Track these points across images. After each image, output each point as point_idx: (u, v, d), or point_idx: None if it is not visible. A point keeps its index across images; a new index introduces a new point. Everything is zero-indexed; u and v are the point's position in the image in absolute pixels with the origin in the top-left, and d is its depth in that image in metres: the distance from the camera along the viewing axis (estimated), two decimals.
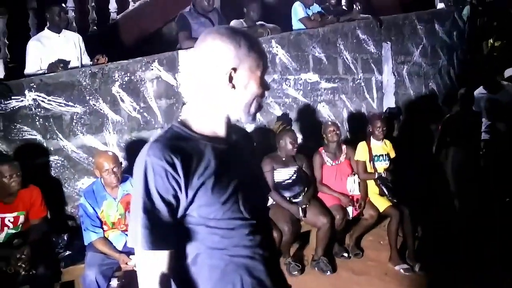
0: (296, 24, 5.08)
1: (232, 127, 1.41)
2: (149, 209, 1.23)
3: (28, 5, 5.14)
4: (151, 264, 1.25)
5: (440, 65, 5.95)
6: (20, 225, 3.14)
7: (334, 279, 3.82)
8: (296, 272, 3.82)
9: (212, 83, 1.33)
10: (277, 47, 4.65)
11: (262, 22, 4.84)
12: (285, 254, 3.87)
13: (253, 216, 1.34)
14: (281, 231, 3.67)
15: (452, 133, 4.64)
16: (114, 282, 3.40)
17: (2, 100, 3.46)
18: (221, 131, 1.36)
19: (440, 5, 6.63)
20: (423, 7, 6.35)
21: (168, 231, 1.25)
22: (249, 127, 3.95)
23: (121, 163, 3.33)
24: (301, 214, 3.84)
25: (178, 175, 1.23)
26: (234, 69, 1.31)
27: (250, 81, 1.33)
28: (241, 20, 4.82)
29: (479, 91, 4.93)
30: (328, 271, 3.85)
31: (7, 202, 3.08)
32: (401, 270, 3.88)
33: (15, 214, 3.10)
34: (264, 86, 1.36)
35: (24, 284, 2.97)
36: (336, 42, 5.08)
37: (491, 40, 6.23)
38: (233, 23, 4.78)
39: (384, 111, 5.27)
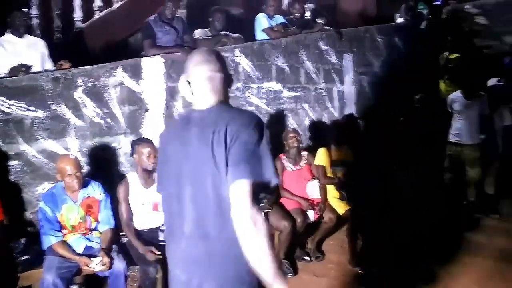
0: (260, 35, 5.20)
1: None
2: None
3: None
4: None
5: (398, 76, 6.16)
6: None
7: (295, 282, 3.88)
8: None
9: None
10: (240, 56, 4.75)
11: (226, 32, 4.95)
12: None
13: None
14: None
15: (410, 137, 4.85)
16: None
17: None
18: None
19: (399, 20, 6.90)
20: (383, 21, 6.60)
21: None
22: None
23: (82, 167, 3.35)
24: None
25: None
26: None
27: None
28: (206, 29, 4.92)
29: (456, 94, 5.13)
30: (289, 274, 3.91)
31: None
32: (360, 272, 3.99)
33: None
34: None
35: None
36: (299, 52, 5.22)
37: (446, 53, 6.50)
38: (198, 32, 4.87)
39: (343, 118, 5.42)
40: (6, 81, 3.66)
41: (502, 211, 5.25)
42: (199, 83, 1.83)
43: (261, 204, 3.99)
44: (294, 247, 4.18)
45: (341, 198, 4.31)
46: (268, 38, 5.15)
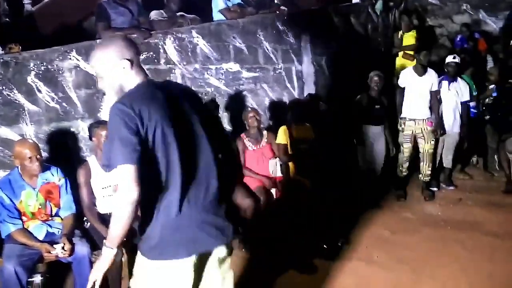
0: (216, 15, 5.17)
1: None
2: None
3: None
4: None
5: (354, 55, 6.27)
6: None
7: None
8: None
9: None
10: (198, 37, 4.71)
11: (182, 13, 4.89)
12: None
13: None
14: None
15: (362, 115, 4.98)
16: (38, 278, 3.32)
17: None
18: None
19: (355, 0, 7.01)
20: (340, 1, 6.69)
21: None
22: None
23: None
24: None
25: None
26: None
27: None
28: (161, 10, 4.85)
29: (407, 70, 5.25)
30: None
31: None
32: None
33: None
34: None
35: None
36: (256, 33, 5.22)
37: (401, 32, 6.66)
38: (153, 13, 4.81)
39: (305, 97, 5.49)
40: None
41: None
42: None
43: None
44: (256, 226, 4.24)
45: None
46: (225, 18, 5.12)
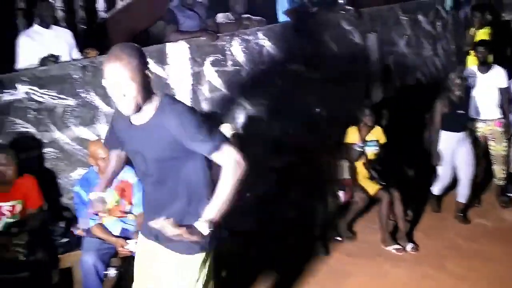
0: (282, 17, 5.16)
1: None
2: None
3: (17, 5, 5.22)
4: None
5: (425, 56, 6.06)
6: (18, 214, 3.19)
7: (329, 261, 3.90)
8: None
9: None
10: (264, 39, 4.73)
11: (248, 15, 4.93)
12: None
13: None
14: None
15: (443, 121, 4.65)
16: (112, 271, 3.46)
17: None
18: None
19: None
20: None
21: None
22: None
23: None
24: None
25: None
26: None
27: None
28: (227, 13, 4.91)
29: (471, 68, 4.99)
30: (322, 253, 3.92)
31: (3, 191, 3.12)
32: (393, 251, 3.97)
33: (12, 202, 3.16)
34: None
35: (23, 271, 3.02)
36: (322, 33, 5.17)
37: (473, 29, 6.34)
38: (220, 16, 4.86)
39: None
40: (37, 71, 3.73)
41: None
42: None
43: None
44: (326, 227, 4.19)
45: (371, 178, 4.28)
46: (290, 20, 5.10)
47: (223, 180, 1.85)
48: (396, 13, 5.91)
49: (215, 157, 1.88)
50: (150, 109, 1.91)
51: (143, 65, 1.86)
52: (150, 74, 1.89)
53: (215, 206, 1.84)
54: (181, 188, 1.97)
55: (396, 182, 4.28)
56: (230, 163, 1.86)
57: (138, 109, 1.87)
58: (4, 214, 3.14)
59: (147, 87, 1.89)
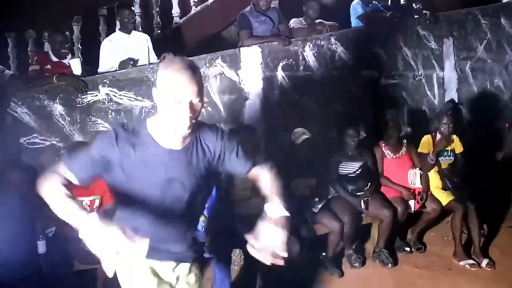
0: (355, 22, 5.10)
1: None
2: None
3: (99, 12, 5.53)
4: None
5: (506, 61, 5.75)
6: (95, 208, 3.36)
7: (396, 272, 3.79)
8: (358, 264, 3.83)
9: None
10: (336, 44, 4.69)
11: (321, 20, 4.91)
12: (347, 246, 3.89)
13: None
14: (342, 222, 3.71)
15: None
16: None
17: (79, 95, 3.74)
18: None
19: None
20: (486, 1, 6.17)
21: None
22: None
23: None
24: (363, 206, 3.85)
25: None
26: None
27: None
28: (300, 18, 4.92)
29: None
30: (389, 264, 3.83)
31: (84, 187, 3.30)
32: (467, 266, 3.79)
33: (91, 198, 3.33)
34: None
35: (98, 263, 3.16)
36: (395, 38, 5.04)
37: None
38: (293, 21, 4.89)
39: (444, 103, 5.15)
40: (116, 74, 3.92)
41: None
42: None
43: (360, 192, 3.94)
44: (394, 237, 4.07)
45: (444, 188, 4.11)
46: (363, 25, 5.03)
47: (271, 179, 1.82)
48: (476, 17, 5.65)
49: (253, 170, 1.89)
50: (192, 134, 1.75)
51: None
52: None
53: (279, 201, 1.71)
54: (195, 214, 2.01)
55: (471, 193, 4.08)
56: (268, 168, 1.88)
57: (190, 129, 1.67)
58: (84, 208, 3.31)
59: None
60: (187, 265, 1.94)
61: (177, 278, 1.92)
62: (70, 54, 4.39)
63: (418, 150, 4.15)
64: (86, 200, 3.32)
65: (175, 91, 1.58)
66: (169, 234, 1.84)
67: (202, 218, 3.43)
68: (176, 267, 1.91)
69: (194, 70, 1.63)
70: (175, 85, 1.59)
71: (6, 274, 2.71)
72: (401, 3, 5.84)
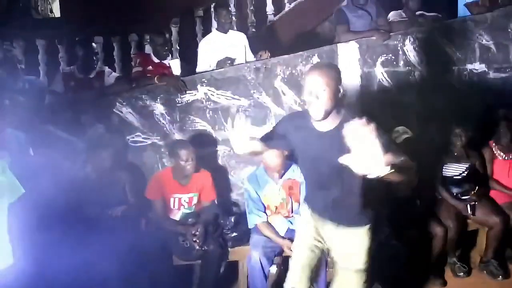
0: (462, 11, 4.75)
1: None
2: None
3: (195, 14, 5.70)
4: None
5: None
6: (194, 205, 3.46)
7: (505, 286, 3.48)
8: (462, 274, 3.58)
9: None
10: (439, 36, 4.39)
11: (422, 12, 4.64)
12: (450, 253, 3.64)
13: None
14: (446, 228, 3.47)
15: None
16: (273, 268, 3.54)
17: (179, 95, 3.85)
18: None
19: None
20: None
21: None
22: None
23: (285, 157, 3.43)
24: (469, 211, 3.57)
25: None
26: None
27: None
28: (400, 11, 4.68)
29: None
30: (500, 276, 3.52)
31: (183, 184, 3.41)
32: None
33: (189, 195, 3.43)
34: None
35: (197, 259, 3.26)
36: (508, 27, 4.62)
37: None
38: (392, 14, 4.66)
39: None
40: (214, 73, 3.99)
41: None
42: None
43: (466, 196, 3.66)
44: (505, 246, 3.74)
45: None
46: (470, 14, 4.66)
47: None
48: None
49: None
50: (336, 119, 2.20)
51: (338, 79, 2.18)
52: (341, 90, 2.17)
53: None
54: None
55: None
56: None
57: (326, 115, 2.15)
58: (182, 205, 3.43)
59: (337, 99, 2.15)
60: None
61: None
62: (170, 55, 4.55)
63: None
64: (185, 197, 3.42)
65: (308, 85, 2.16)
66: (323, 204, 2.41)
67: None
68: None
69: (321, 68, 2.20)
70: (307, 80, 2.17)
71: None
72: None
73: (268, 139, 2.43)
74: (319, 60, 4.06)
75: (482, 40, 4.55)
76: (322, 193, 2.38)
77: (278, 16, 6.12)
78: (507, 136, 3.80)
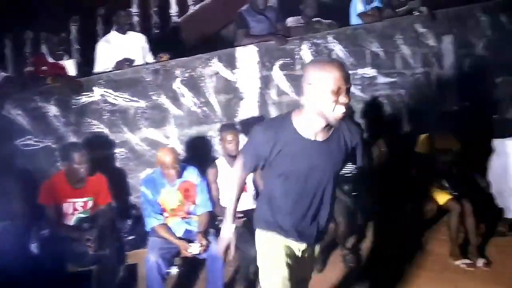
0: (355, 20, 5.06)
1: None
2: None
3: (97, 12, 5.54)
4: None
5: (505, 59, 5.67)
6: (89, 209, 3.37)
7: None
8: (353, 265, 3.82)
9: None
10: (334, 42, 4.65)
11: (318, 19, 4.88)
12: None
13: None
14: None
15: None
16: (174, 269, 3.56)
17: (74, 96, 3.74)
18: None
19: None
20: None
21: None
22: None
23: (179, 155, 3.47)
24: None
25: None
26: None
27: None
28: (298, 17, 4.89)
29: None
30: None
31: (77, 187, 3.32)
32: (463, 265, 3.76)
33: (84, 199, 3.34)
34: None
35: (92, 264, 3.19)
36: (394, 36, 5.00)
37: None
38: (290, 20, 4.86)
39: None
40: (112, 74, 3.93)
41: None
42: None
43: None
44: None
45: (442, 187, 4.08)
46: (363, 23, 4.99)
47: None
48: (476, 14, 5.59)
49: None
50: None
51: None
52: None
53: None
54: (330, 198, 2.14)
55: (468, 193, 4.05)
56: None
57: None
58: (77, 210, 3.34)
59: None
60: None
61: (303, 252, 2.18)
62: (67, 55, 4.39)
63: (415, 150, 4.11)
64: (79, 201, 3.33)
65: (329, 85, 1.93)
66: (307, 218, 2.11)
67: None
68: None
69: (341, 64, 2.00)
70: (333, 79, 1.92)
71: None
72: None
73: (252, 169, 2.17)
74: (218, 63, 4.13)
75: (372, 47, 4.88)
76: (302, 207, 2.08)
77: (182, 17, 6.12)
78: None
